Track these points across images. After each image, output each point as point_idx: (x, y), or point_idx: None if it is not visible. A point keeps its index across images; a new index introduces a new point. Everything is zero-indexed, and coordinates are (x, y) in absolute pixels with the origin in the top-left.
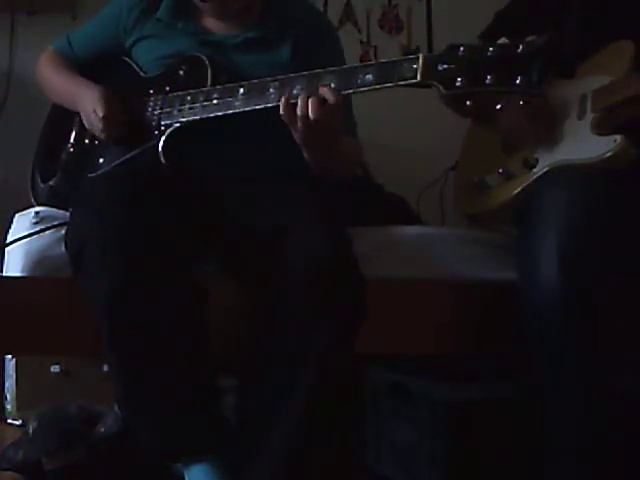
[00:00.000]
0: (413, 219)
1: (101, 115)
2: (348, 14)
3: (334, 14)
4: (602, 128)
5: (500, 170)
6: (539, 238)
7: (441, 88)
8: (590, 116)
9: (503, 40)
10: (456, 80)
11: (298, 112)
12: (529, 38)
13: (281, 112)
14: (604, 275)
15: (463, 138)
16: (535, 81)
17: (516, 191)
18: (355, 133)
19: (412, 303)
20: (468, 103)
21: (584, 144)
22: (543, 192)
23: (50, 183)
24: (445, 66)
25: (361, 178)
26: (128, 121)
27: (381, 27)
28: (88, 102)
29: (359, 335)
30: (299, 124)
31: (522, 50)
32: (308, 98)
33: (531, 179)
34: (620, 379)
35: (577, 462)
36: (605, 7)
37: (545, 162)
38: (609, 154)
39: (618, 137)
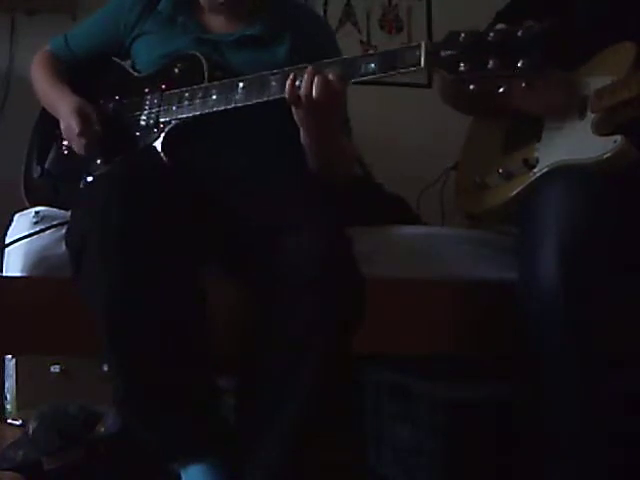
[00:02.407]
0: (413, 219)
1: (77, 131)
2: (348, 14)
3: (334, 14)
4: (603, 128)
5: (500, 170)
6: (539, 238)
7: (446, 73)
8: (591, 116)
9: (501, 26)
10: (459, 65)
11: (302, 90)
12: (528, 23)
13: (286, 90)
14: (604, 275)
15: (464, 138)
16: (537, 63)
17: (516, 191)
18: (350, 135)
19: (412, 303)
20: (472, 87)
21: (584, 144)
22: (543, 192)
23: (45, 181)
24: (448, 52)
25: (361, 178)
26: (103, 133)
27: (381, 27)
28: (65, 116)
29: (359, 335)
30: (302, 101)
31: (522, 34)
32: (314, 76)
33: (531, 179)
34: (620, 379)
35: (577, 462)
36: (606, 8)
37: (545, 162)
38: (609, 154)
39: (618, 137)
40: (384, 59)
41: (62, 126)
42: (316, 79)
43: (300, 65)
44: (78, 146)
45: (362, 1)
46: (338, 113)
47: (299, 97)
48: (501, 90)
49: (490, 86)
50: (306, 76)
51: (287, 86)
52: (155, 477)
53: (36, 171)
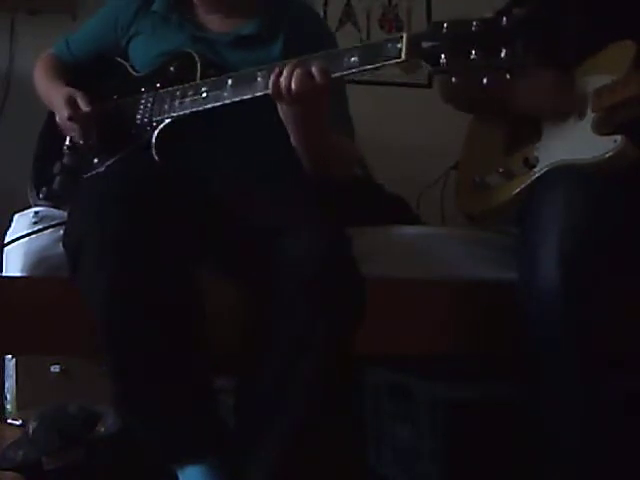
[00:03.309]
0: (413, 219)
1: (65, 116)
2: (348, 14)
3: (334, 14)
4: (603, 128)
5: (501, 169)
6: (539, 238)
7: (426, 65)
8: (591, 116)
9: (488, 15)
10: (440, 56)
11: (282, 83)
12: (514, 11)
13: (269, 83)
14: (604, 275)
15: (464, 138)
16: (519, 53)
17: (516, 191)
18: (351, 134)
19: (411, 303)
20: (454, 80)
21: (585, 144)
22: (543, 192)
23: (49, 184)
24: (429, 43)
25: (361, 178)
26: (103, 121)
27: (381, 27)
28: (57, 106)
29: (359, 335)
30: (284, 94)
31: (506, 23)
32: (295, 69)
33: (531, 179)
34: (620, 379)
35: (578, 462)
36: (605, 7)
37: (545, 162)
38: (609, 154)
39: (619, 137)
40: (366, 51)
41: (57, 118)
42: (297, 71)
43: (287, 60)
44: (74, 133)
45: (362, 1)
46: (322, 107)
47: (281, 90)
48: (485, 81)
49: (473, 78)
50: (287, 69)
51: (271, 80)
52: (155, 477)
53: (41, 175)
